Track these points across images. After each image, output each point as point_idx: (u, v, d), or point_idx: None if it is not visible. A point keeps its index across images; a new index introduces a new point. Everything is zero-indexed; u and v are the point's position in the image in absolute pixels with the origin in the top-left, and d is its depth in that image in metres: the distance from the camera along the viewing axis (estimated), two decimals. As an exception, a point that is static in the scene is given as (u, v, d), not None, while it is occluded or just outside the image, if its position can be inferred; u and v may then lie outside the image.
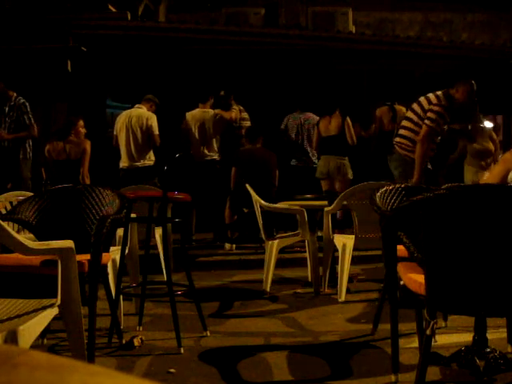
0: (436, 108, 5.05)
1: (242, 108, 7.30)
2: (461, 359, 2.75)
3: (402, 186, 3.39)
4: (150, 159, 6.73)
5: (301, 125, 7.57)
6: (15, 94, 6.34)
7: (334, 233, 4.59)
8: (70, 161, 6.23)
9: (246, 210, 6.42)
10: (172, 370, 2.92)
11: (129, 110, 6.85)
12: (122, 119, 6.74)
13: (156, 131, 6.62)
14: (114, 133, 6.87)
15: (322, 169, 7.06)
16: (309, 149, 7.57)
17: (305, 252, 4.96)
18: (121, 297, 3.48)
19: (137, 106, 6.80)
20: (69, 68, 7.73)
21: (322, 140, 7.05)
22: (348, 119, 6.95)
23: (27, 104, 6.37)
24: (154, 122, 6.63)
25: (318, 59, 8.59)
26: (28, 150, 6.43)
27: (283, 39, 8.36)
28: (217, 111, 7.00)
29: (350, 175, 6.98)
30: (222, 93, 7.14)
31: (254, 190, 5.06)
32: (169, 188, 3.54)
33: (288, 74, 8.54)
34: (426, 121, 5.05)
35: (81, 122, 6.35)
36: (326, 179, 7.04)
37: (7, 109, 6.32)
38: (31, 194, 3.83)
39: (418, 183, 4.94)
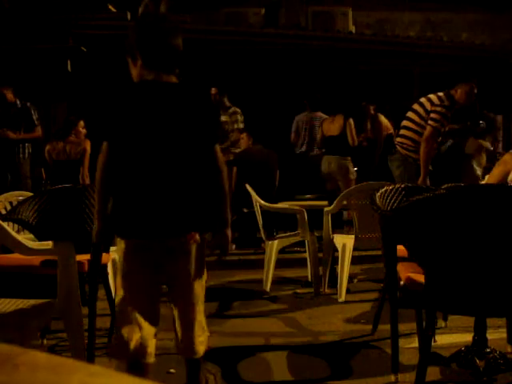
0: (439, 109, 5.06)
1: (238, 110, 7.23)
2: (461, 359, 2.75)
3: (402, 186, 3.39)
4: None
5: (304, 124, 7.57)
6: (17, 99, 6.48)
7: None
8: (69, 161, 6.23)
9: (245, 210, 6.41)
10: (172, 371, 2.92)
11: None
12: None
13: None
14: None
15: (323, 169, 7.04)
16: (313, 148, 7.57)
17: (304, 252, 4.96)
18: (121, 297, 3.48)
19: None
20: (69, 68, 7.73)
21: (325, 140, 7.05)
22: (350, 120, 6.94)
23: (33, 107, 6.54)
24: None
25: (317, 59, 8.59)
26: (28, 149, 6.53)
27: (283, 39, 8.36)
28: None
29: (352, 175, 6.96)
30: (213, 91, 7.06)
31: (254, 190, 5.06)
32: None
33: (288, 74, 8.54)
34: (430, 121, 5.06)
35: (81, 123, 6.36)
36: (329, 179, 7.02)
37: (14, 111, 6.44)
38: (31, 194, 3.83)
39: (424, 183, 4.95)
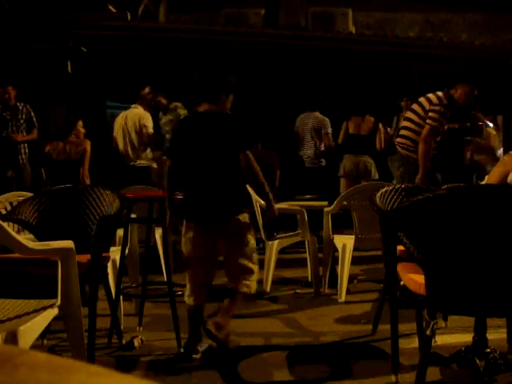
0: (438, 108, 5.05)
1: (179, 104, 6.86)
2: (461, 359, 2.75)
3: (402, 186, 3.39)
4: (147, 158, 6.75)
5: (307, 125, 7.57)
6: (16, 101, 6.58)
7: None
8: (70, 161, 6.23)
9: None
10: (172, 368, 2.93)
11: (125, 112, 6.88)
12: (119, 121, 6.79)
13: (150, 130, 6.61)
14: (114, 134, 6.89)
15: (349, 168, 6.98)
16: (313, 149, 7.58)
17: (304, 252, 4.96)
18: (121, 297, 3.48)
19: (133, 106, 6.82)
20: (69, 69, 7.72)
21: (350, 137, 7.01)
22: (381, 125, 6.97)
23: (31, 108, 6.66)
24: (146, 121, 6.65)
25: (317, 59, 8.58)
26: (27, 150, 6.65)
27: (283, 39, 8.36)
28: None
29: (377, 175, 6.96)
30: (147, 90, 6.74)
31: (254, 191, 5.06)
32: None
33: (288, 74, 8.54)
34: (428, 120, 5.05)
35: (80, 122, 6.37)
36: (351, 178, 6.95)
37: (18, 114, 6.54)
38: (31, 194, 3.83)
39: (424, 183, 4.94)
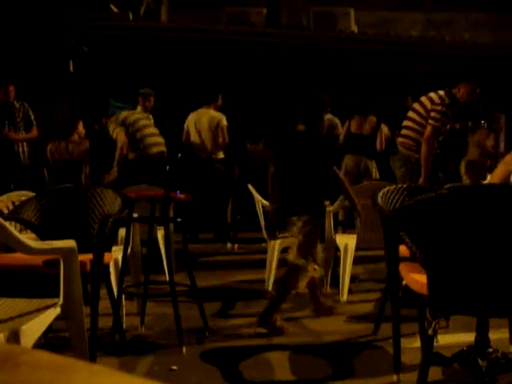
0: (439, 107, 5.04)
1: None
2: (463, 359, 2.75)
3: (404, 186, 3.39)
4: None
5: None
6: (15, 99, 6.50)
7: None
8: (72, 160, 6.24)
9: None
10: (174, 367, 2.93)
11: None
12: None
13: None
14: None
15: (350, 167, 6.93)
16: None
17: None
18: (123, 296, 3.48)
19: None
20: (71, 68, 7.74)
21: (351, 137, 6.96)
22: (383, 126, 6.93)
23: (29, 106, 6.55)
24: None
25: (319, 59, 8.59)
26: (25, 150, 6.60)
27: (285, 39, 8.37)
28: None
29: (378, 175, 6.91)
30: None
31: (256, 190, 5.06)
32: (171, 187, 3.55)
33: (290, 74, 8.54)
34: (431, 121, 5.03)
35: (80, 122, 6.38)
36: (352, 178, 6.89)
37: (15, 112, 6.45)
38: (33, 193, 3.83)
39: (426, 183, 4.93)
